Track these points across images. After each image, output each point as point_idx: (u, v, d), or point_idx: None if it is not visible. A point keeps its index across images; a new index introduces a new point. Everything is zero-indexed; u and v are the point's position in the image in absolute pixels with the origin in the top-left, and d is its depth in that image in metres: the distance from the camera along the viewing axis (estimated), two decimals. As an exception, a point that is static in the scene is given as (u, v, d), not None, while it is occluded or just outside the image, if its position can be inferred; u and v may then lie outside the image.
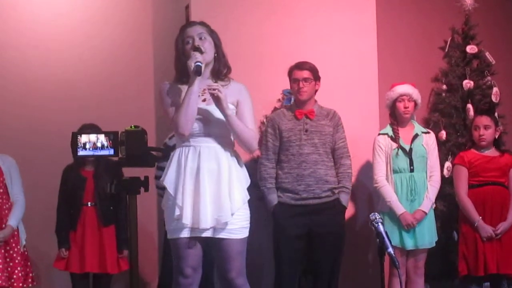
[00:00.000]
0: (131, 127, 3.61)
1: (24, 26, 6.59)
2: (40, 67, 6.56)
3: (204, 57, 4.01)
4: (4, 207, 5.53)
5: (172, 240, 4.11)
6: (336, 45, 6.09)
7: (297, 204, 5.36)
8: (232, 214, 4.01)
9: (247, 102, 4.15)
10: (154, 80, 6.56)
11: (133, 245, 3.46)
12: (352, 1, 6.17)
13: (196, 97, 3.98)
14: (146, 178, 3.97)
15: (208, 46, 4.07)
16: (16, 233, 5.56)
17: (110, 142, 3.55)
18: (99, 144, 3.58)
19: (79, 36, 6.65)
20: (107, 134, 3.54)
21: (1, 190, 5.52)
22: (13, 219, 5.52)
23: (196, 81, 3.95)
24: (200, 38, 4.07)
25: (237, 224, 4.05)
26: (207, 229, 4.02)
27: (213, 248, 4.10)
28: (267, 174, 5.44)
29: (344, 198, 5.42)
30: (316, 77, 5.44)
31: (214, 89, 3.96)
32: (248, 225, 4.14)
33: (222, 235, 4.04)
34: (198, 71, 3.91)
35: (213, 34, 4.15)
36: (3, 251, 5.44)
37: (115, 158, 4.06)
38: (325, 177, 5.38)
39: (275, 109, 5.83)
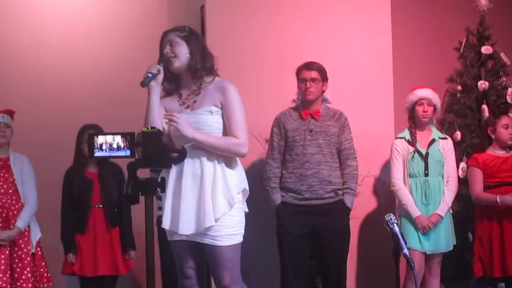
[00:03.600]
0: (147, 128, 3.60)
1: (38, 25, 6.63)
2: (57, 65, 6.60)
3: (174, 62, 4.01)
4: (13, 207, 5.51)
5: (170, 242, 4.09)
6: (352, 46, 6.10)
7: (300, 204, 5.33)
8: (216, 220, 3.90)
9: (233, 103, 3.98)
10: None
11: (149, 246, 3.45)
12: (367, 2, 6.17)
13: (154, 108, 3.94)
14: (163, 179, 3.96)
15: (180, 49, 4.04)
16: (26, 233, 5.55)
17: (127, 143, 3.52)
18: (115, 145, 3.56)
19: (93, 36, 6.69)
20: (123, 135, 3.52)
21: (11, 191, 5.52)
22: (21, 221, 5.49)
23: (153, 93, 3.94)
24: (171, 45, 4.04)
25: (222, 231, 3.93)
26: (188, 234, 3.95)
27: (204, 253, 4.04)
28: (271, 174, 5.43)
29: (349, 200, 5.37)
30: (324, 78, 5.40)
31: (170, 120, 3.91)
32: (240, 231, 4.01)
33: (206, 241, 3.96)
34: (142, 82, 3.90)
35: (184, 33, 4.07)
36: (7, 252, 5.43)
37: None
38: (329, 178, 5.34)
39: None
